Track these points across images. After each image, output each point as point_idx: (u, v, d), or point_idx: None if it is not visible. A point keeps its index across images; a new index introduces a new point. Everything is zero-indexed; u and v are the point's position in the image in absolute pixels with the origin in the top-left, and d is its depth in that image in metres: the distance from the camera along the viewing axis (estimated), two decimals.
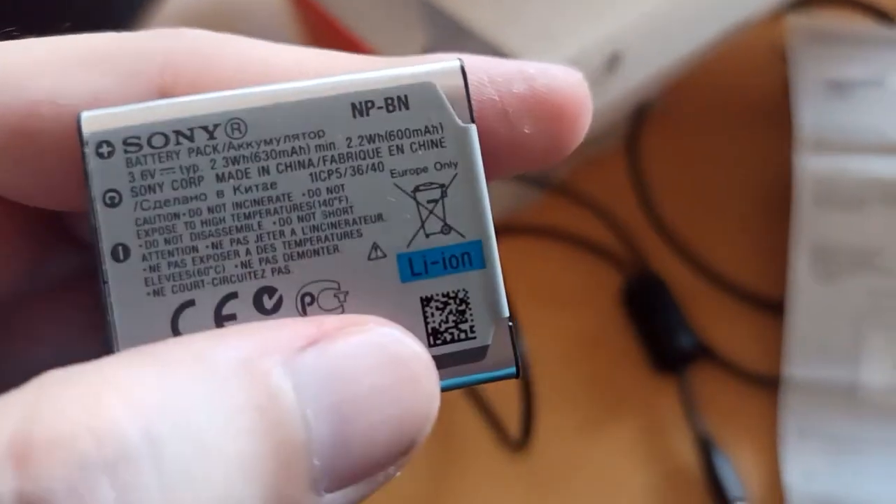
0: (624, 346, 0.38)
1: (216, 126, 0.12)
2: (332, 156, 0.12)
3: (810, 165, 0.35)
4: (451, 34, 0.33)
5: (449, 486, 0.35)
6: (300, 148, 0.12)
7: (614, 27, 0.31)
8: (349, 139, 0.12)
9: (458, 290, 0.13)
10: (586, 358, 0.38)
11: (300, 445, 0.10)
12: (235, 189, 0.12)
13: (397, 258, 0.12)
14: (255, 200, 0.12)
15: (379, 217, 0.12)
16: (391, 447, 0.11)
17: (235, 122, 0.12)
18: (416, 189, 0.12)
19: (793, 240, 0.35)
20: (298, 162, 0.12)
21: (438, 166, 0.12)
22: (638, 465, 0.34)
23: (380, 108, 0.12)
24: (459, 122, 0.12)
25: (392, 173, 0.12)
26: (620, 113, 0.38)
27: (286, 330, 0.11)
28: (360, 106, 0.12)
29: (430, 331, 0.12)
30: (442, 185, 0.12)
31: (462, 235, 0.13)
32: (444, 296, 0.12)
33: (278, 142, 0.12)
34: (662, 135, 0.43)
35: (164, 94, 0.12)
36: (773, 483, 0.33)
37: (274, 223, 0.12)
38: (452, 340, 0.12)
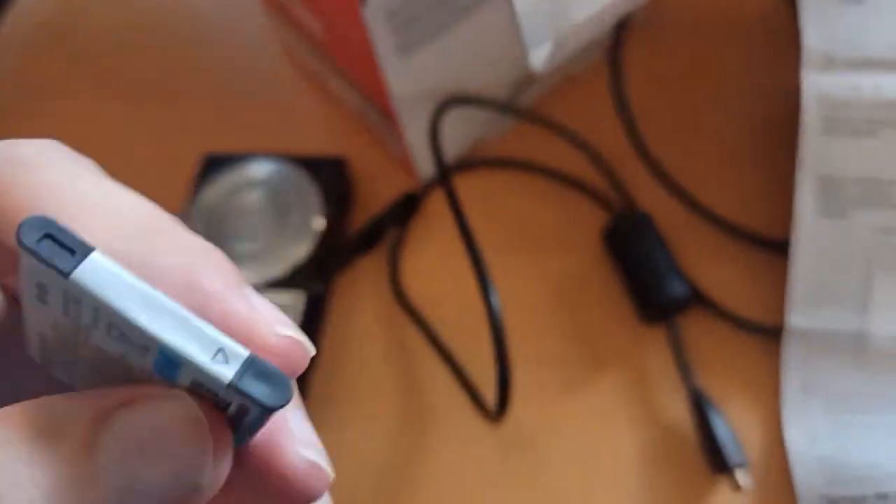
0: (608, 293, 0.34)
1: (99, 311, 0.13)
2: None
3: (818, 85, 0.31)
4: None
5: (424, 453, 0.31)
6: (133, 342, 0.13)
7: None
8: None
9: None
10: (566, 308, 0.34)
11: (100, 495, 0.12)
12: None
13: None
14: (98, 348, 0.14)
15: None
16: (171, 492, 0.13)
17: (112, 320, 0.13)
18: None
19: (798, 170, 0.31)
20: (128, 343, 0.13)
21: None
22: (626, 425, 0.31)
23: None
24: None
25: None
26: (602, 25, 0.33)
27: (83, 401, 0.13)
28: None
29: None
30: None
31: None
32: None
33: (124, 337, 0.13)
34: (648, 52, 0.38)
35: None
36: (773, 444, 0.30)
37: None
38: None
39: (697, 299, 0.33)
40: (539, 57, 0.31)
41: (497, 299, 0.28)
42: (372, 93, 0.35)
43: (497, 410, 0.28)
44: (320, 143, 0.41)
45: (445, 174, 0.32)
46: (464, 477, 0.31)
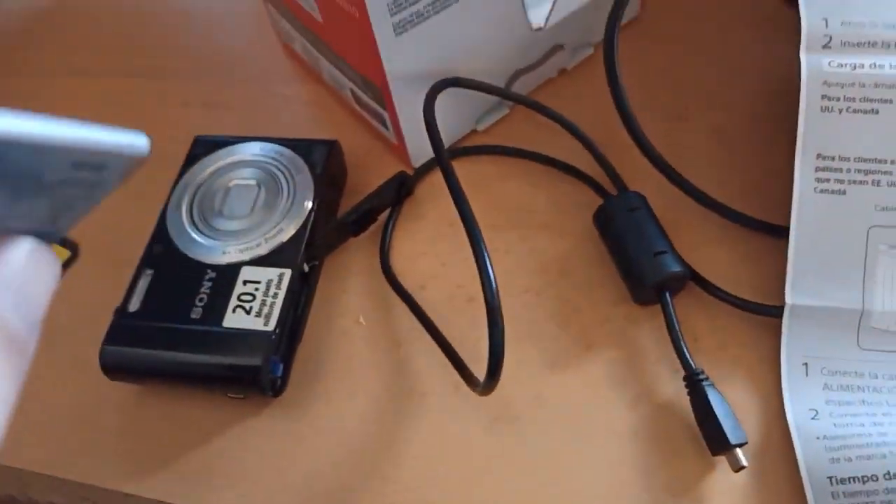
0: (601, 274, 0.33)
1: None
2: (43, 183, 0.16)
3: (817, 64, 0.31)
4: None
5: (409, 429, 0.30)
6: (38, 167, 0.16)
7: None
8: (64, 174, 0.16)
9: None
10: (556, 288, 0.33)
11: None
12: None
13: None
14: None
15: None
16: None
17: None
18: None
19: (798, 147, 0.30)
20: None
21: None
22: (617, 403, 0.30)
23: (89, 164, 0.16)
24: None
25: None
26: (596, 11, 0.33)
27: None
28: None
29: None
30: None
31: None
32: None
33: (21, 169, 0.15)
34: (644, 37, 0.38)
35: None
36: (774, 425, 0.28)
37: None
38: None
39: (693, 279, 0.32)
40: (540, 14, 0.31)
41: (491, 265, 0.27)
42: (367, 75, 0.35)
43: (487, 378, 0.27)
44: (312, 132, 0.40)
45: (437, 142, 0.32)
46: (449, 453, 0.29)
